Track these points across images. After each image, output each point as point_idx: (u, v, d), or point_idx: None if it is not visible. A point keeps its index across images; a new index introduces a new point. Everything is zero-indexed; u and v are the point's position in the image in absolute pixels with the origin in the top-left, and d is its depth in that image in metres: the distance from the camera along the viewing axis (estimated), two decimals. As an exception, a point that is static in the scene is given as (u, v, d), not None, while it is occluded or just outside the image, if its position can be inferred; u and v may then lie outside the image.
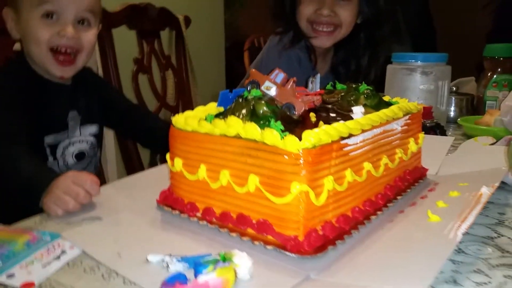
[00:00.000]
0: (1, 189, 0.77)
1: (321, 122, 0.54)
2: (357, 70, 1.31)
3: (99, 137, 1.02)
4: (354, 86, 0.68)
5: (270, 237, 0.49)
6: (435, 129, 0.97)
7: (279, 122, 0.49)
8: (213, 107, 0.62)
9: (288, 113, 0.55)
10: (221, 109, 0.60)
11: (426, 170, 0.74)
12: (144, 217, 0.59)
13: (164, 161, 0.64)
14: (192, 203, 0.57)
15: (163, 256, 0.46)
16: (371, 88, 0.67)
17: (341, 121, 0.53)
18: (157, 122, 1.09)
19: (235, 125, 0.51)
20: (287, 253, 0.46)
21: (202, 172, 0.54)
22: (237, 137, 0.50)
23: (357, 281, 0.42)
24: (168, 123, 0.60)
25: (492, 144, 0.86)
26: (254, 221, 0.50)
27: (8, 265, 0.46)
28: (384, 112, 0.60)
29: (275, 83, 0.59)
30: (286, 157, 0.46)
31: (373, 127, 0.57)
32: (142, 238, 0.53)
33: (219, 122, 0.52)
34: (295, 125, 0.53)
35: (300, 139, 0.46)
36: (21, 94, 0.87)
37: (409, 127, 0.68)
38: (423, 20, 2.31)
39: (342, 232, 0.50)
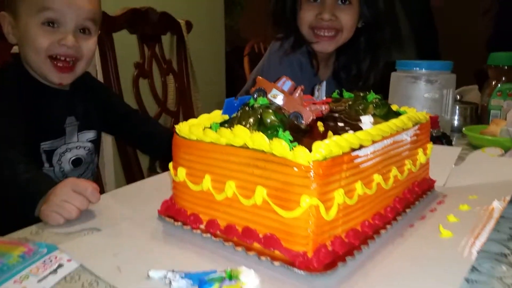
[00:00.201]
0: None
1: (330, 132, 0.52)
2: (358, 74, 1.29)
3: (96, 142, 1.00)
4: (362, 94, 0.66)
5: (277, 252, 0.47)
6: (441, 139, 0.96)
7: (287, 132, 0.47)
8: (217, 115, 0.60)
9: (296, 122, 0.54)
10: (226, 117, 0.58)
11: (434, 181, 0.72)
12: (145, 228, 0.57)
13: (164, 167, 0.62)
14: (196, 214, 0.55)
15: (166, 272, 0.44)
16: (379, 97, 0.65)
17: (350, 131, 0.52)
18: (156, 127, 1.07)
19: (242, 134, 0.49)
20: (296, 269, 0.44)
21: (207, 182, 0.52)
22: (244, 147, 0.48)
23: (370, 301, 0.41)
24: (168, 129, 0.58)
25: (501, 155, 0.85)
26: (260, 235, 0.48)
27: (1, 280, 0.44)
28: (394, 123, 0.58)
29: (282, 91, 0.57)
30: (295, 169, 0.44)
31: (384, 137, 0.55)
32: (143, 251, 0.51)
33: (225, 131, 0.50)
34: (303, 134, 0.52)
35: (309, 149, 0.44)
36: (19, 99, 0.85)
37: (418, 137, 0.66)
38: (425, 19, 2.29)
39: (351, 247, 0.48)
